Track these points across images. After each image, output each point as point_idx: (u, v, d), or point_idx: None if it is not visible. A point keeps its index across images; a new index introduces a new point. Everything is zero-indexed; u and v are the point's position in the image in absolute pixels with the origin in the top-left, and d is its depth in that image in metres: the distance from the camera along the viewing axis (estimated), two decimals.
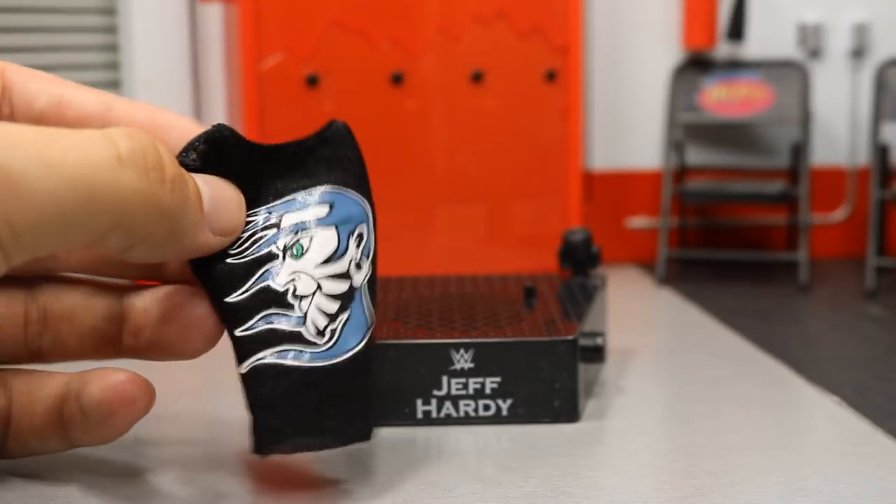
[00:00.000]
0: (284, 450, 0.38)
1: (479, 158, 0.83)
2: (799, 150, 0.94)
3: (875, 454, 0.44)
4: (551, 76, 0.84)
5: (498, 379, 0.47)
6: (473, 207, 0.83)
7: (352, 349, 0.38)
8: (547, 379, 0.47)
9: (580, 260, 0.58)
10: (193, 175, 0.36)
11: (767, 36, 0.98)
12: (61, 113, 0.38)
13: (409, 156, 0.80)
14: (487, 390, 0.47)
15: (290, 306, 0.37)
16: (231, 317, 0.37)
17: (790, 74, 0.96)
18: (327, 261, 0.38)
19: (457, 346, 0.47)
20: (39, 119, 0.38)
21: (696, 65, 0.98)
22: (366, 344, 0.38)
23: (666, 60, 0.98)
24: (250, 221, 0.38)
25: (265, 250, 0.38)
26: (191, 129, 0.38)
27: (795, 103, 0.95)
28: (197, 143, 0.37)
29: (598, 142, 0.97)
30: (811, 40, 0.98)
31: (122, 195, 0.32)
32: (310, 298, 0.38)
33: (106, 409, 0.38)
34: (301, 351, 0.37)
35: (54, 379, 0.39)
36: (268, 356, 0.37)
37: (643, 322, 0.75)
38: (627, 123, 0.98)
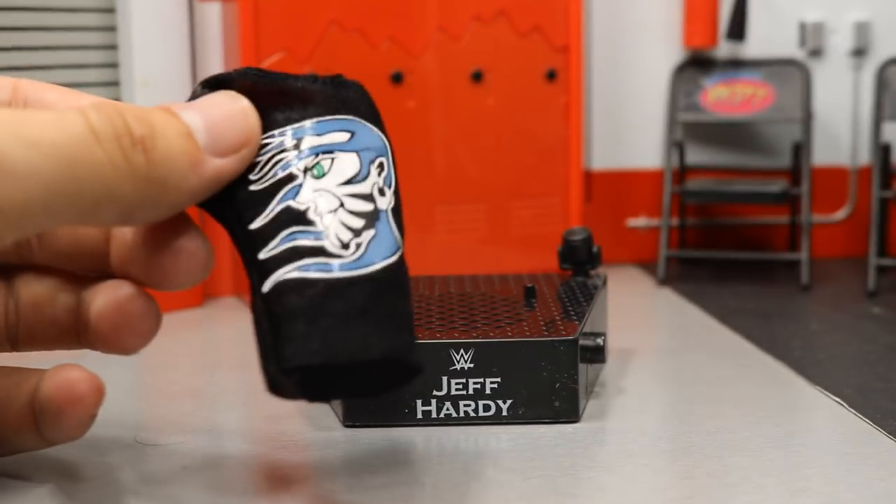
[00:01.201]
0: (311, 362, 0.35)
1: (479, 158, 0.83)
2: (800, 150, 0.94)
3: (876, 455, 0.44)
4: (551, 76, 0.84)
5: (498, 379, 0.47)
6: (473, 207, 0.83)
7: (380, 263, 0.36)
8: (547, 379, 0.47)
9: (580, 260, 0.58)
10: (180, 109, 0.35)
11: (768, 35, 0.98)
12: None
13: (409, 155, 0.80)
14: (487, 390, 0.47)
15: (312, 222, 0.36)
16: (253, 243, 0.36)
17: (791, 74, 0.95)
18: (349, 182, 0.37)
19: (457, 347, 0.47)
20: None
21: (697, 64, 0.97)
22: (397, 261, 0.37)
23: (666, 60, 0.98)
24: (268, 143, 0.37)
25: (285, 172, 0.37)
26: None
27: (796, 103, 0.95)
28: (215, 76, 0.37)
29: (598, 142, 0.97)
30: (812, 39, 0.98)
31: (102, 169, 0.32)
32: (333, 213, 0.36)
33: (55, 406, 0.38)
34: (326, 263, 0.35)
35: (30, 375, 0.39)
36: (291, 271, 0.35)
37: (643, 322, 0.75)
38: (627, 123, 0.98)
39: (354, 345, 0.35)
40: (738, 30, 0.95)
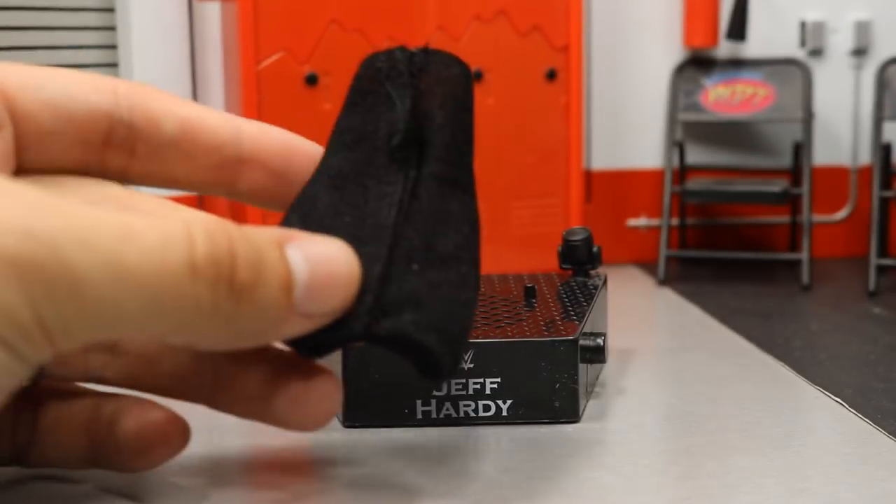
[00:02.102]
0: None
1: (479, 158, 0.82)
2: (800, 150, 0.94)
3: (877, 455, 0.44)
4: (552, 75, 0.84)
5: (498, 379, 0.47)
6: None
7: None
8: (547, 379, 0.47)
9: (580, 260, 0.58)
10: (292, 244, 0.32)
11: (769, 35, 0.98)
12: (193, 139, 0.36)
13: None
14: (487, 390, 0.47)
15: None
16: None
17: (792, 73, 0.95)
18: None
19: None
20: (170, 145, 0.36)
21: (697, 64, 0.97)
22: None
23: (667, 59, 0.98)
24: None
25: None
26: (318, 153, 0.37)
27: (797, 102, 0.95)
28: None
29: (598, 141, 0.97)
30: (813, 39, 0.98)
31: (188, 307, 0.30)
32: None
33: (142, 444, 0.38)
34: None
35: (84, 400, 0.39)
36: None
37: (643, 322, 0.75)
38: (627, 123, 0.98)
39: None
40: (738, 29, 0.95)
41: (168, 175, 0.37)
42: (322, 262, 0.32)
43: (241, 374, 0.36)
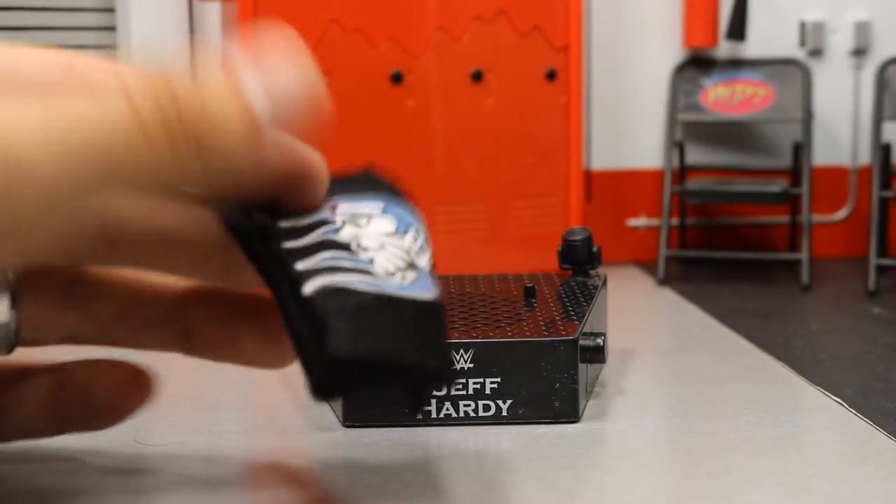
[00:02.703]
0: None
1: (479, 158, 0.83)
2: (800, 150, 0.94)
3: (877, 455, 0.44)
4: (551, 75, 0.84)
5: (498, 379, 0.47)
6: (473, 207, 0.83)
7: (421, 297, 0.34)
8: (547, 379, 0.47)
9: (580, 260, 0.58)
10: (239, 70, 0.32)
11: (768, 35, 0.98)
12: None
13: (409, 155, 0.80)
14: (487, 390, 0.47)
15: (355, 252, 0.34)
16: (288, 258, 0.33)
17: (791, 73, 0.95)
18: (388, 235, 0.35)
19: (457, 346, 0.47)
20: None
21: (697, 64, 0.97)
22: (439, 303, 0.35)
23: (667, 59, 0.97)
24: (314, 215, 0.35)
25: (323, 217, 0.35)
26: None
27: (797, 102, 0.95)
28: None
29: (598, 142, 0.97)
30: (812, 39, 0.98)
31: (141, 151, 0.30)
32: (376, 251, 0.35)
33: (114, 402, 0.38)
34: (374, 279, 0.34)
35: (45, 371, 0.39)
36: (337, 279, 0.33)
37: (643, 322, 0.75)
38: (627, 123, 0.98)
39: (400, 357, 0.34)
40: (738, 30, 0.95)
41: None
42: (275, 67, 0.33)
43: (211, 319, 0.37)
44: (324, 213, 0.35)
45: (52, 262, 0.35)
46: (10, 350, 0.37)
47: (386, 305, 0.34)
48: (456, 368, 0.37)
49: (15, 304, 0.36)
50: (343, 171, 0.38)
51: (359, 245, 0.35)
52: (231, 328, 0.37)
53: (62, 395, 0.39)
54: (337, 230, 0.35)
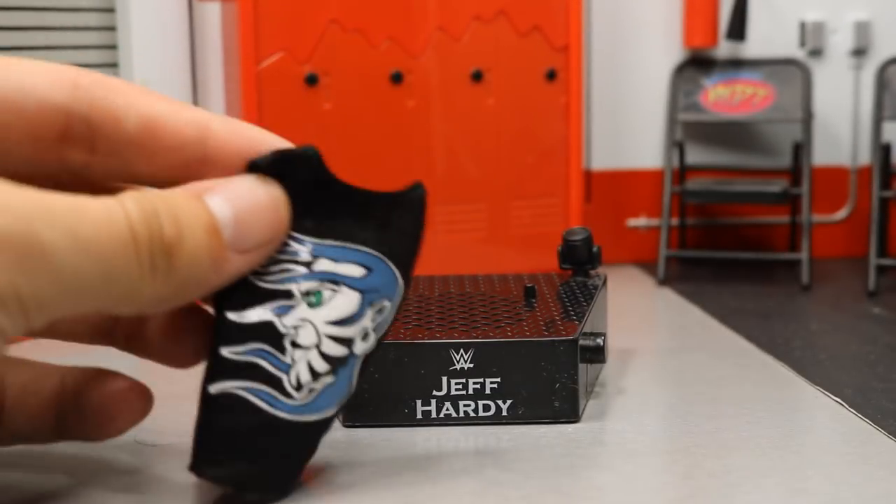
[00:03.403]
0: (211, 478, 0.38)
1: (479, 158, 0.83)
2: (800, 150, 0.94)
3: (877, 455, 0.44)
4: (551, 75, 0.84)
5: (498, 379, 0.47)
6: (473, 207, 0.83)
7: (321, 413, 0.37)
8: (547, 379, 0.47)
9: (580, 260, 0.58)
10: (210, 194, 0.34)
11: (768, 35, 0.98)
12: (155, 137, 0.36)
13: (409, 155, 0.80)
14: (487, 390, 0.47)
15: (284, 351, 0.36)
16: (225, 333, 0.36)
17: (791, 73, 0.95)
18: (338, 322, 0.37)
19: (457, 346, 0.47)
20: (131, 143, 0.36)
21: (697, 64, 0.97)
22: (334, 413, 0.38)
23: (666, 59, 0.98)
24: (290, 246, 0.37)
25: (287, 286, 0.36)
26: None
27: (797, 102, 0.95)
28: (273, 155, 0.36)
29: (598, 142, 0.97)
30: (812, 39, 0.98)
31: (132, 274, 0.32)
32: (305, 351, 0.37)
33: (105, 414, 0.38)
34: (275, 398, 0.36)
35: (50, 374, 0.39)
36: (241, 389, 0.36)
37: (643, 322, 0.75)
38: (627, 123, 0.98)
39: (245, 484, 0.38)
40: (738, 30, 0.95)
41: (130, 172, 0.36)
42: (242, 196, 0.34)
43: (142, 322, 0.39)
44: (297, 271, 0.37)
45: None
46: None
47: (273, 432, 0.37)
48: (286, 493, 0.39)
49: None
50: (369, 197, 0.38)
51: (294, 339, 0.37)
52: (140, 322, 0.39)
53: (61, 399, 0.39)
54: (288, 310, 0.36)
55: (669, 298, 0.80)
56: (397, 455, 0.44)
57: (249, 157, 0.36)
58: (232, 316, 0.36)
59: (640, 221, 0.98)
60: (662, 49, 0.98)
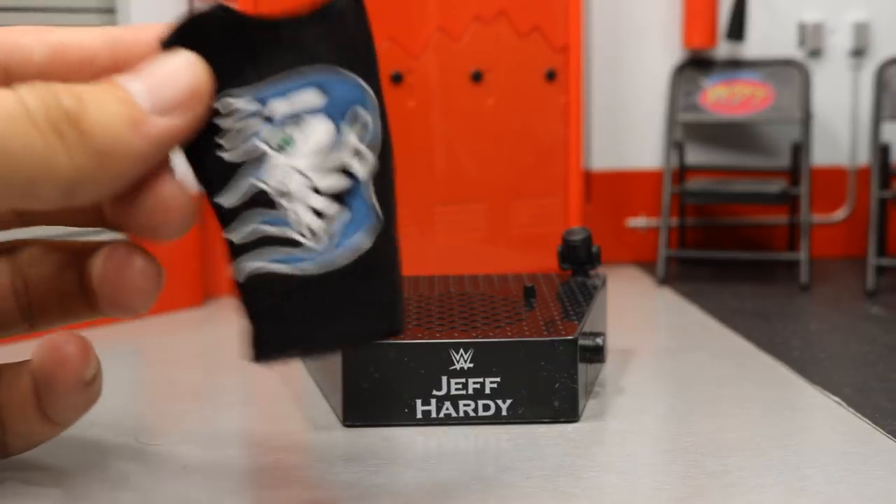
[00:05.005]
0: (286, 357, 0.35)
1: (479, 158, 0.83)
2: (799, 150, 0.94)
3: (875, 454, 0.44)
4: (551, 76, 0.84)
5: (498, 379, 0.47)
6: (473, 207, 0.83)
7: (353, 252, 0.35)
8: (547, 379, 0.47)
9: (580, 260, 0.58)
10: (122, 78, 0.34)
11: (768, 35, 0.98)
12: (64, 59, 0.37)
13: (409, 155, 0.80)
14: (487, 390, 0.47)
15: (280, 207, 0.35)
16: (221, 217, 0.35)
17: (790, 74, 0.96)
18: (319, 154, 0.35)
19: (456, 346, 0.47)
20: (42, 73, 0.36)
21: (697, 64, 0.97)
22: (375, 244, 0.35)
23: (666, 60, 0.98)
24: (235, 106, 0.35)
25: (251, 144, 0.35)
26: None
27: (796, 103, 0.95)
28: (176, 25, 0.35)
29: (598, 142, 0.97)
30: (811, 40, 0.98)
31: (35, 145, 0.32)
32: (301, 198, 0.35)
33: (47, 374, 0.38)
34: (296, 257, 0.35)
35: (26, 364, 0.39)
36: (260, 264, 0.35)
37: (643, 322, 0.75)
38: (627, 123, 0.98)
39: (325, 340, 0.35)
40: (737, 30, 0.96)
41: None
42: (155, 66, 0.34)
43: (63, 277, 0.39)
44: (254, 126, 0.35)
45: None
46: None
47: (308, 290, 0.35)
48: (399, 329, 0.36)
49: None
50: (287, 22, 0.35)
51: (281, 191, 0.35)
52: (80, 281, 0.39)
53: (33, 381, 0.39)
54: (262, 166, 0.35)
55: (669, 298, 0.81)
56: (397, 455, 0.44)
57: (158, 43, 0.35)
58: (218, 199, 0.35)
59: (639, 221, 0.98)
60: (662, 49, 0.98)
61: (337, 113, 0.35)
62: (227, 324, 0.71)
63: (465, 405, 0.47)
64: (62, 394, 0.38)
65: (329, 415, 0.49)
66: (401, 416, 0.47)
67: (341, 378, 0.47)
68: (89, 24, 0.78)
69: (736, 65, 0.97)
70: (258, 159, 0.35)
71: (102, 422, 0.46)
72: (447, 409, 0.47)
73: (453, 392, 0.47)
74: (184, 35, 0.35)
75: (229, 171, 0.35)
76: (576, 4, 0.83)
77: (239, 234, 0.35)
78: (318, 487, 0.41)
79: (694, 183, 0.94)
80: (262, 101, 0.35)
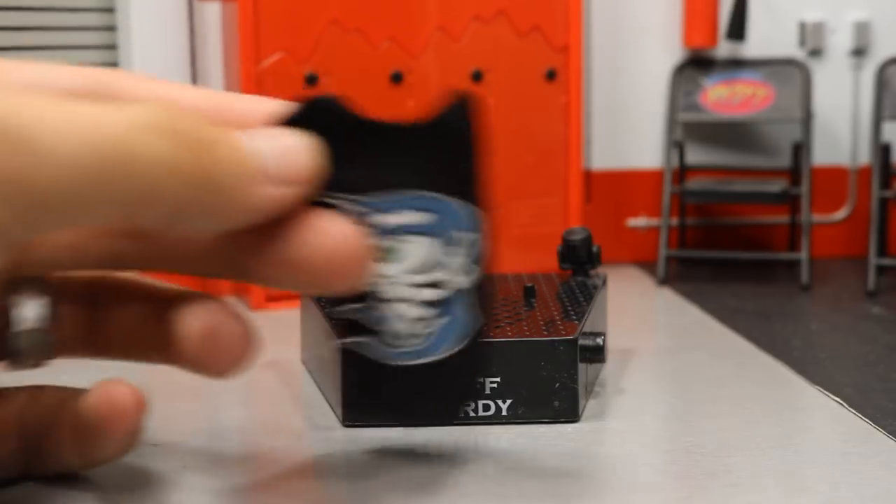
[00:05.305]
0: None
1: None
2: (800, 150, 0.94)
3: (876, 454, 0.44)
4: (551, 75, 0.84)
5: (498, 379, 0.47)
6: None
7: (448, 350, 0.37)
8: (547, 379, 0.47)
9: (580, 260, 0.58)
10: (247, 132, 0.34)
11: (768, 35, 0.98)
12: None
13: None
14: (487, 390, 0.47)
15: (381, 309, 0.37)
16: (328, 300, 0.40)
17: (791, 73, 0.95)
18: (419, 271, 0.37)
19: None
20: None
21: (697, 64, 0.97)
22: (469, 343, 0.38)
23: (666, 59, 0.98)
24: (343, 206, 0.35)
25: None
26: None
27: (796, 102, 0.95)
28: (295, 109, 0.35)
29: (598, 142, 0.97)
30: (812, 39, 0.98)
31: (142, 162, 0.30)
32: (401, 304, 0.37)
33: (97, 421, 0.37)
34: (395, 351, 0.37)
35: (73, 394, 0.39)
36: (355, 342, 0.37)
37: (643, 322, 0.75)
38: (627, 123, 0.98)
39: (407, 416, 0.44)
40: (737, 30, 0.95)
41: None
42: (275, 136, 0.34)
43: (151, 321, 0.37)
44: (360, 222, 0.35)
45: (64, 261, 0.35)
46: (41, 360, 0.37)
47: (404, 374, 0.38)
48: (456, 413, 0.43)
49: (50, 310, 0.36)
50: (405, 130, 0.36)
51: (382, 300, 0.36)
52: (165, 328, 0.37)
53: (77, 420, 0.38)
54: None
55: (669, 298, 0.80)
56: (397, 455, 0.44)
57: (272, 120, 0.35)
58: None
59: (639, 221, 0.98)
60: (662, 49, 0.98)
61: (442, 233, 0.37)
62: None
63: (464, 405, 0.47)
64: (108, 440, 0.38)
65: (329, 415, 0.49)
66: (401, 416, 0.47)
67: (341, 378, 0.47)
68: (89, 23, 0.78)
69: (736, 64, 0.97)
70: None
71: None
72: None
73: None
74: (303, 118, 0.35)
75: None
76: (576, 4, 0.83)
77: (341, 315, 0.37)
78: (317, 488, 0.41)
79: (694, 183, 0.94)
80: (372, 214, 0.36)
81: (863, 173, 0.99)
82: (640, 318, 0.76)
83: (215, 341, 0.35)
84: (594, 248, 0.58)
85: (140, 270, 0.39)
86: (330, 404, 0.50)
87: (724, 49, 0.98)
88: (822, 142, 0.99)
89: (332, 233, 0.34)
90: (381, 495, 0.39)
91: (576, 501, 0.39)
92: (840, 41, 0.99)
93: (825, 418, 0.51)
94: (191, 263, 0.36)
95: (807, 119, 0.93)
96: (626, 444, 0.46)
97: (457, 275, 0.37)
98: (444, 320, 0.37)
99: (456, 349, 0.37)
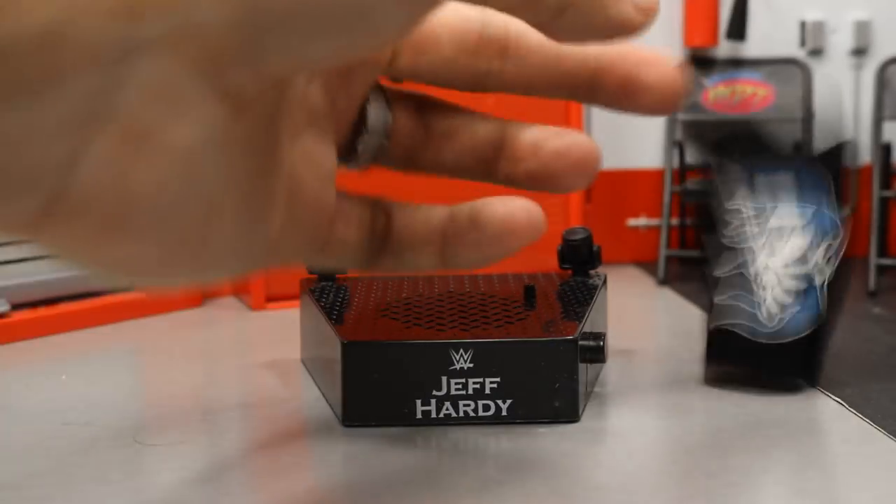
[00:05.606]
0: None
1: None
2: (800, 149, 0.94)
3: (877, 454, 0.44)
4: None
5: (498, 379, 0.47)
6: None
7: (796, 334, 0.50)
8: (547, 379, 0.47)
9: (580, 259, 0.58)
10: None
11: (769, 34, 0.98)
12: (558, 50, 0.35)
13: None
14: (487, 390, 0.47)
15: (754, 292, 0.50)
16: (713, 285, 0.51)
17: (791, 73, 0.95)
18: (792, 265, 0.51)
19: (456, 346, 0.47)
20: (537, 52, 0.36)
21: (697, 63, 0.97)
22: (814, 332, 0.50)
23: None
24: (741, 210, 0.52)
25: (748, 244, 0.51)
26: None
27: (797, 102, 0.94)
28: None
29: (598, 142, 0.97)
30: (812, 39, 0.98)
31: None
32: (770, 290, 0.50)
33: (506, 226, 0.37)
34: (752, 327, 0.50)
35: (437, 207, 0.39)
36: (728, 324, 0.51)
37: (643, 322, 0.75)
38: (627, 123, 0.98)
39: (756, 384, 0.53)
40: (738, 29, 0.95)
41: (527, 81, 0.37)
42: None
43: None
44: (751, 231, 0.52)
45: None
46: (371, 164, 0.37)
47: (755, 353, 0.50)
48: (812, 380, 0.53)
49: (391, 118, 0.36)
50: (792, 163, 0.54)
51: (760, 282, 0.51)
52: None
53: (450, 225, 0.38)
54: (751, 261, 0.51)
55: (669, 298, 0.80)
56: (397, 455, 0.44)
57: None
58: (717, 273, 0.51)
59: (639, 221, 0.98)
60: (662, 49, 0.98)
61: (813, 235, 0.51)
62: (227, 324, 0.71)
63: (464, 405, 0.47)
64: (499, 249, 0.37)
65: (329, 415, 0.49)
66: (400, 416, 0.47)
67: (341, 378, 0.47)
68: None
69: (737, 64, 0.97)
70: (749, 256, 0.52)
71: (102, 422, 0.46)
72: (447, 409, 0.47)
73: (453, 392, 0.47)
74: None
75: (728, 256, 0.52)
76: None
77: (722, 300, 0.51)
78: (317, 487, 0.41)
79: (694, 182, 0.94)
80: (760, 211, 0.52)
81: (863, 173, 0.99)
82: (640, 318, 0.75)
83: (566, 157, 0.36)
84: (594, 248, 0.58)
85: (502, 92, 0.39)
86: (330, 404, 0.50)
87: (724, 49, 0.98)
88: (822, 141, 0.99)
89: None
90: (382, 495, 0.39)
91: (576, 501, 0.39)
92: (840, 41, 0.99)
93: (825, 418, 0.51)
94: (549, 88, 0.37)
95: (807, 119, 0.93)
96: (626, 444, 0.46)
97: (815, 272, 0.50)
98: (797, 308, 0.49)
99: (807, 333, 0.50)
